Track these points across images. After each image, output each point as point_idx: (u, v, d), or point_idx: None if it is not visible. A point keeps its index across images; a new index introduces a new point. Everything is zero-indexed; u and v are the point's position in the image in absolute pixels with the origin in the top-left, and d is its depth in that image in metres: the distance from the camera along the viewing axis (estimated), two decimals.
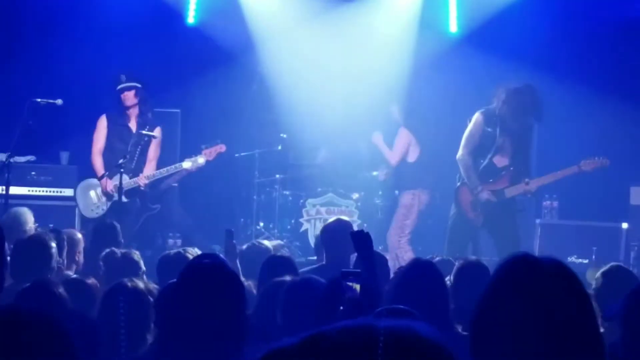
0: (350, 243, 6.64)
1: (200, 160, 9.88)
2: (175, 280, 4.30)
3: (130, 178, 9.66)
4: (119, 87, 9.84)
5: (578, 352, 2.17)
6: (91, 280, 5.44)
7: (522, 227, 10.42)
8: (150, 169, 9.83)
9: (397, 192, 10.77)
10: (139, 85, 9.88)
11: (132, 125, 9.86)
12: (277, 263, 5.75)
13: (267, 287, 5.00)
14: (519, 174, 8.80)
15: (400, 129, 10.59)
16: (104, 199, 9.77)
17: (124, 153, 9.57)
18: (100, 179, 9.71)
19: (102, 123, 9.90)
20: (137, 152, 9.72)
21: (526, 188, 8.76)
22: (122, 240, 7.46)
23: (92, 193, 9.80)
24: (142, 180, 9.70)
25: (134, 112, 9.90)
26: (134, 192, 9.76)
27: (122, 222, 8.57)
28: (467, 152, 8.80)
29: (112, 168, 9.61)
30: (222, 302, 3.28)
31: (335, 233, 6.87)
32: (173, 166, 9.88)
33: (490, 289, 2.28)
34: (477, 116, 8.82)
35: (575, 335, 2.18)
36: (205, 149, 10.09)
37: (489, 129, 8.72)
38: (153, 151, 9.89)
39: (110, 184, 9.65)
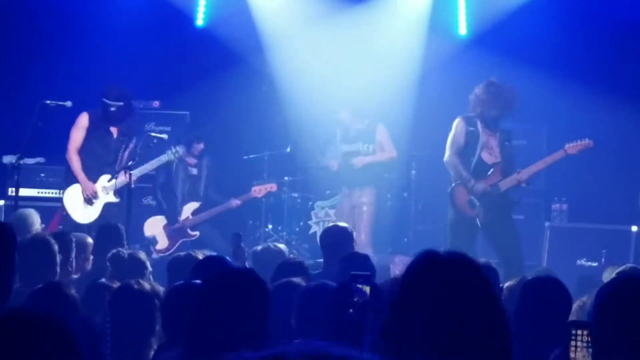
0: (347, 249, 6.67)
1: (180, 150, 9.86)
2: (181, 282, 4.29)
3: (112, 178, 9.51)
4: (109, 102, 9.60)
5: (483, 339, 2.20)
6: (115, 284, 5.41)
7: (531, 230, 10.45)
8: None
9: (346, 189, 10.70)
10: (121, 104, 9.65)
11: (113, 130, 9.71)
12: (289, 268, 5.75)
13: (277, 289, 5.00)
14: (509, 168, 8.85)
15: (378, 126, 10.58)
16: (94, 203, 9.56)
17: (104, 157, 9.50)
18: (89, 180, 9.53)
19: (84, 122, 9.67)
20: (121, 154, 9.61)
21: (518, 178, 8.78)
22: (125, 243, 7.43)
23: (81, 199, 9.58)
24: (132, 179, 9.43)
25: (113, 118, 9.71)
26: (122, 190, 9.60)
27: (119, 221, 8.58)
28: (453, 152, 8.89)
29: (91, 171, 9.54)
30: (250, 309, 3.27)
31: (333, 239, 6.86)
32: (156, 159, 9.80)
33: (399, 287, 2.33)
34: (457, 120, 8.98)
35: (479, 323, 2.21)
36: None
37: (472, 128, 8.85)
38: (126, 159, 9.70)
39: (93, 188, 9.50)
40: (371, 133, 10.60)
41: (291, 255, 8.08)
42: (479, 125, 8.86)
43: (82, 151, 9.64)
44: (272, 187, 10.52)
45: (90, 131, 9.66)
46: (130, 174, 9.20)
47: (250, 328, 3.24)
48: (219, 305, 3.26)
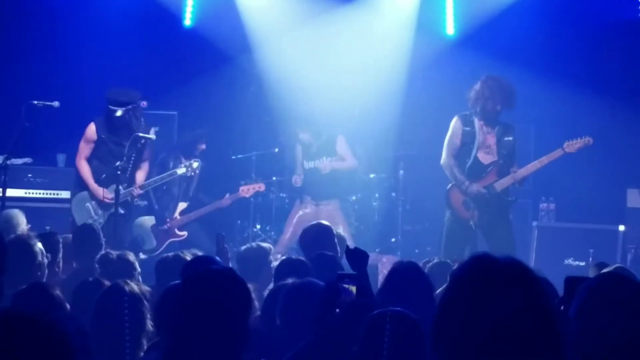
0: (329, 247, 6.69)
1: (195, 164, 9.87)
2: (177, 282, 4.28)
3: (125, 188, 9.39)
4: (111, 107, 9.42)
5: (535, 349, 2.18)
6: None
7: (519, 230, 10.43)
8: (141, 175, 9.62)
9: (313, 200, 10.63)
10: (129, 108, 9.49)
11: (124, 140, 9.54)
12: (292, 266, 5.75)
13: (271, 290, 5.03)
14: (506, 166, 8.82)
15: (338, 137, 10.60)
16: (100, 211, 9.48)
17: (115, 163, 9.28)
18: (97, 185, 9.51)
19: (91, 134, 9.55)
20: (132, 161, 9.48)
21: (514, 176, 8.75)
22: (103, 243, 7.36)
23: (88, 205, 9.51)
24: (136, 191, 9.49)
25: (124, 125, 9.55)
26: (127, 202, 9.53)
27: (120, 231, 8.52)
28: (449, 154, 8.86)
29: (102, 177, 9.47)
30: (229, 309, 3.25)
31: (314, 237, 6.86)
32: (167, 173, 9.80)
33: (449, 289, 2.31)
34: (454, 120, 8.92)
35: (531, 332, 2.20)
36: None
37: (468, 128, 8.80)
38: (145, 155, 9.66)
39: (108, 194, 9.39)
40: (331, 146, 10.58)
41: (279, 256, 8.08)
42: (477, 123, 8.82)
43: (95, 157, 9.56)
44: (260, 186, 10.49)
45: (99, 139, 9.53)
46: (118, 177, 9.08)
47: (230, 328, 3.22)
48: (198, 306, 3.24)
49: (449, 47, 11.89)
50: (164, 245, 10.29)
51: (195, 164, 9.89)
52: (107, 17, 11.63)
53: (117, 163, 9.18)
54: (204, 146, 10.55)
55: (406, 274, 5.02)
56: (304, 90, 11.29)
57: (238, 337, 3.24)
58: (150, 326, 4.29)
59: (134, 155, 9.50)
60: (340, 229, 9.76)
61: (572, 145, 8.80)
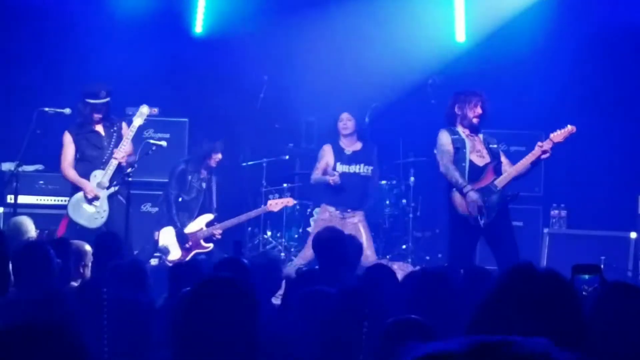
0: (339, 253, 6.71)
1: (144, 110, 9.62)
2: (187, 289, 4.29)
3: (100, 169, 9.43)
4: (98, 101, 9.49)
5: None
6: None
7: (530, 236, 10.43)
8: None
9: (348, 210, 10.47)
10: (109, 100, 9.59)
11: (99, 128, 9.61)
12: (307, 276, 5.75)
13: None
14: (499, 167, 8.87)
15: (375, 148, 10.62)
16: (99, 203, 9.44)
17: (100, 157, 9.44)
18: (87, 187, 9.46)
19: (68, 140, 9.56)
20: (110, 152, 9.51)
21: (511, 171, 8.77)
22: (124, 252, 7.37)
23: (85, 205, 9.47)
24: (121, 160, 9.40)
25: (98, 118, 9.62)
26: (116, 178, 9.45)
27: (123, 214, 8.54)
28: (447, 160, 8.86)
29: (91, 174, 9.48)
30: (234, 319, 3.23)
31: (326, 242, 6.88)
32: (129, 130, 9.55)
33: (488, 298, 2.31)
34: (441, 133, 8.96)
35: (568, 341, 2.21)
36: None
37: (456, 136, 8.87)
38: (120, 147, 9.56)
39: (91, 188, 9.40)
40: (369, 155, 10.54)
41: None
42: (462, 133, 8.89)
43: (79, 160, 9.58)
44: (289, 201, 10.38)
45: (77, 142, 9.55)
46: (129, 183, 9.11)
47: (236, 338, 3.20)
48: (203, 315, 3.22)
49: (460, 53, 11.89)
50: (189, 257, 10.02)
51: (144, 109, 9.60)
52: (117, 24, 11.67)
53: (129, 170, 9.19)
54: (219, 155, 10.37)
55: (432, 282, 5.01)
56: (314, 97, 11.31)
57: (245, 348, 3.21)
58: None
59: (113, 141, 9.49)
60: (364, 240, 9.70)
61: (558, 136, 8.88)
